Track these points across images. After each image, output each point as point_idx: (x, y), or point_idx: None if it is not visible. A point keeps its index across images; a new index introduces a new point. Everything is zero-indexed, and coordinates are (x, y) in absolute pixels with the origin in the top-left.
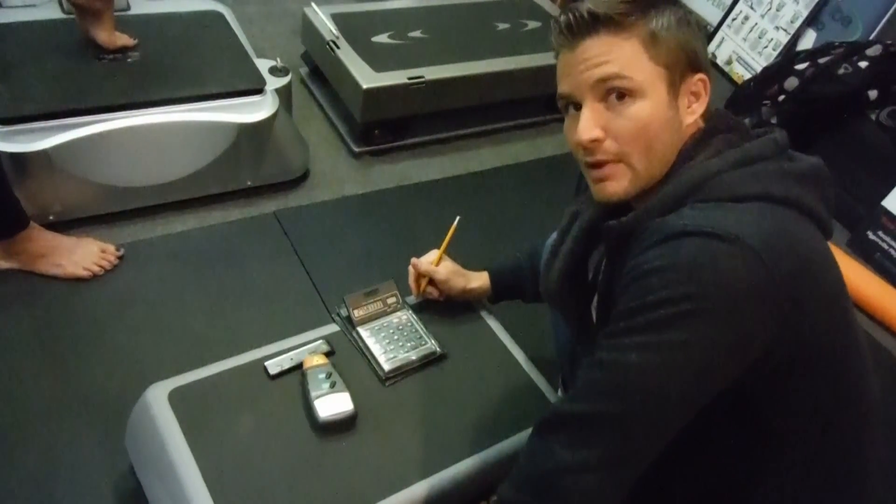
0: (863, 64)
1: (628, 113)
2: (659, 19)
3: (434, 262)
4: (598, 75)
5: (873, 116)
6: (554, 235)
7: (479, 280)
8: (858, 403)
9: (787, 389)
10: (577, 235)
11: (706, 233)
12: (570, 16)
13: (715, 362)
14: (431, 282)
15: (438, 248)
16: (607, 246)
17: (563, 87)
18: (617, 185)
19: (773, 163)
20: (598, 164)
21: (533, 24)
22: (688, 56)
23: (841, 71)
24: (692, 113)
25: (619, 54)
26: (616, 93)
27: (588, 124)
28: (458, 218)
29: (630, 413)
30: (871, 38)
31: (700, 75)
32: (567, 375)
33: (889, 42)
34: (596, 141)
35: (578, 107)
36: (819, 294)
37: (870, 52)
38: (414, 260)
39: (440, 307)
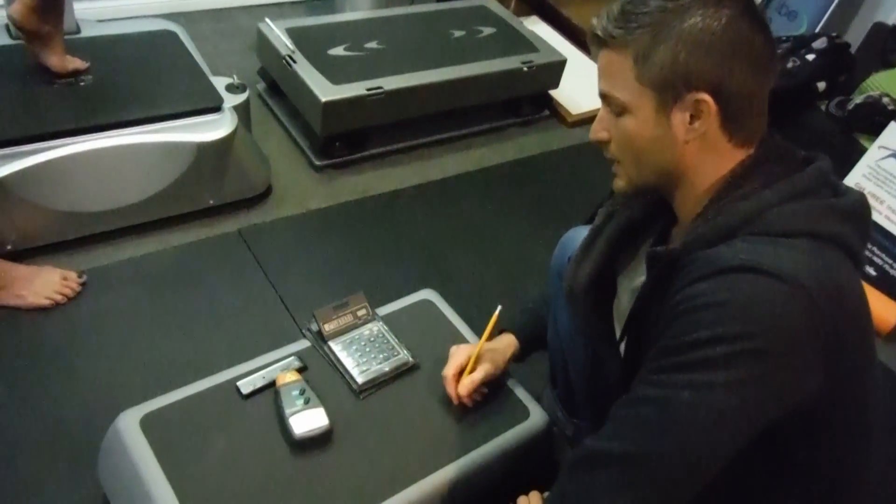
0: (810, 57)
1: (618, 124)
2: (650, 40)
3: (468, 369)
4: (598, 88)
5: (823, 107)
6: (572, 233)
7: (509, 347)
8: (870, 430)
9: (816, 421)
10: (611, 236)
11: (765, 271)
12: (590, 29)
13: (768, 402)
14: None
15: (477, 339)
16: (651, 270)
17: None
18: (619, 181)
19: (822, 198)
20: (609, 161)
21: (488, 31)
22: (683, 76)
23: (790, 64)
24: (693, 131)
25: (612, 71)
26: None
27: (595, 126)
28: (499, 308)
29: (681, 452)
30: (816, 31)
31: (698, 95)
32: (558, 369)
33: (834, 34)
34: (600, 142)
35: None
36: (855, 334)
37: (816, 44)
38: (450, 380)
39: (410, 316)
